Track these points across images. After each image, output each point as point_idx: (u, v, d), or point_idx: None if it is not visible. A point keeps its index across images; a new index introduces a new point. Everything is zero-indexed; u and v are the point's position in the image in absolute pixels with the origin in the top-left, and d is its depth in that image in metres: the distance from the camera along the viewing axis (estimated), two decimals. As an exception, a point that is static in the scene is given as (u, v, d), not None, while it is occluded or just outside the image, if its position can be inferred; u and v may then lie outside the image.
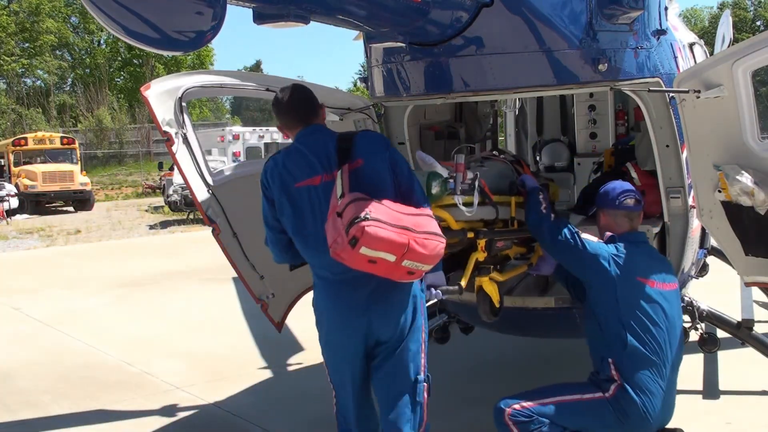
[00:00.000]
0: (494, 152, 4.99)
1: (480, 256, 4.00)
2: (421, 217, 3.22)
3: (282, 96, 3.60)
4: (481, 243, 3.99)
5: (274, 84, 5.20)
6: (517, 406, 3.65)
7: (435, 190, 3.80)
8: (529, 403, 3.65)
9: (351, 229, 3.03)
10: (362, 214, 3.04)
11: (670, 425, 3.79)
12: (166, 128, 4.58)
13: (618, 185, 4.06)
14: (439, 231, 3.24)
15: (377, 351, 3.44)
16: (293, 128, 3.59)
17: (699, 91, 3.99)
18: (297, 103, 3.58)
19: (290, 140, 3.73)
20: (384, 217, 3.08)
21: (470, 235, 3.95)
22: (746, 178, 3.99)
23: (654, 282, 3.73)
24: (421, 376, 3.43)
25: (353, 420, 3.54)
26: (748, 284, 4.72)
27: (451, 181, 3.85)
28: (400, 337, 3.40)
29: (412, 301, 3.42)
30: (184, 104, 4.63)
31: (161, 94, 4.58)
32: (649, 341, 3.63)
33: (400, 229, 3.09)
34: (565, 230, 3.86)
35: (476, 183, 3.87)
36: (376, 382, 3.48)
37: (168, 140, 4.59)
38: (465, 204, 3.84)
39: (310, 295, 5.75)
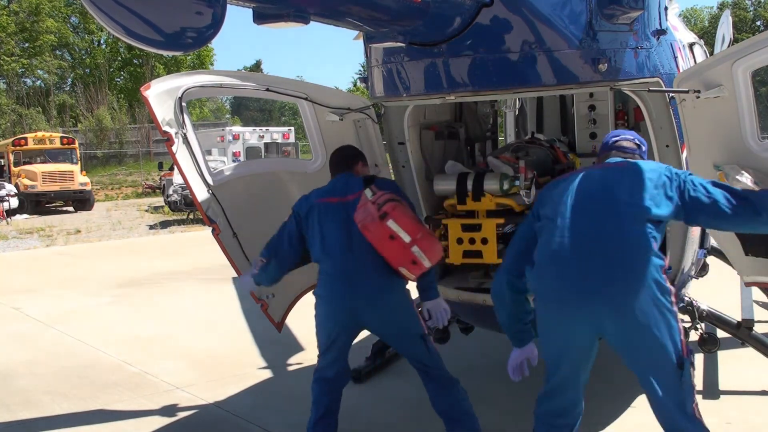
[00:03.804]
0: (534, 138, 6.04)
1: None
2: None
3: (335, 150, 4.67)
4: None
5: (274, 84, 5.20)
6: None
7: (506, 186, 4.89)
8: None
9: (385, 206, 4.00)
10: (396, 197, 4.09)
11: None
12: (166, 128, 4.57)
13: (620, 131, 3.97)
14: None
15: (371, 329, 4.45)
16: (332, 175, 4.53)
17: (699, 91, 3.99)
18: (336, 159, 4.55)
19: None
20: (408, 209, 4.15)
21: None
22: (746, 178, 3.99)
23: (591, 167, 3.78)
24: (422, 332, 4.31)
25: (333, 366, 4.36)
26: (748, 284, 4.71)
27: (517, 179, 4.95)
28: (393, 328, 4.31)
29: (404, 301, 4.28)
30: (183, 104, 4.63)
31: (161, 94, 4.58)
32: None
33: (418, 221, 4.19)
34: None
35: (533, 178, 4.90)
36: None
37: (168, 140, 4.59)
38: (526, 195, 4.91)
39: (310, 295, 5.79)
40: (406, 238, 3.98)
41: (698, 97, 4.00)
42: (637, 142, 3.79)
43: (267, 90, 5.13)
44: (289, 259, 4.45)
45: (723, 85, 3.94)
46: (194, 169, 4.77)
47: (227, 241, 4.94)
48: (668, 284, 3.29)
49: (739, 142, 4.04)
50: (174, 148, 4.61)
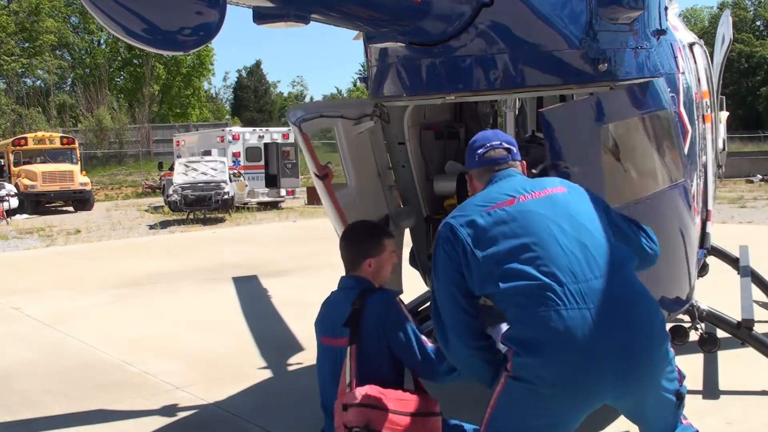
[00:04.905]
0: (534, 137, 5.77)
1: None
2: (408, 402, 3.24)
3: (344, 231, 3.75)
4: None
5: (326, 108, 5.15)
6: None
7: None
8: None
9: None
10: (362, 427, 3.10)
11: None
12: (323, 164, 4.41)
13: (485, 134, 3.30)
14: (410, 409, 3.22)
15: None
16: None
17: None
18: (343, 252, 3.60)
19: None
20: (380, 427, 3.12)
21: None
22: None
23: (522, 197, 2.97)
24: None
25: None
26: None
27: None
28: None
29: None
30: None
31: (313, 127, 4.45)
32: (528, 267, 2.79)
33: None
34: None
35: None
36: None
37: (326, 176, 4.39)
38: None
39: (311, 297, 5.78)
40: None
41: None
42: (507, 146, 3.21)
43: (321, 117, 4.85)
44: None
45: None
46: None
47: None
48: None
49: None
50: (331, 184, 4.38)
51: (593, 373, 2.71)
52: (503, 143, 3.21)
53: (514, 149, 3.23)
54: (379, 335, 3.33)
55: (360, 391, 3.17)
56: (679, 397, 2.98)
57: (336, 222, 4.57)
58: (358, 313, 3.32)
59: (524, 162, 3.28)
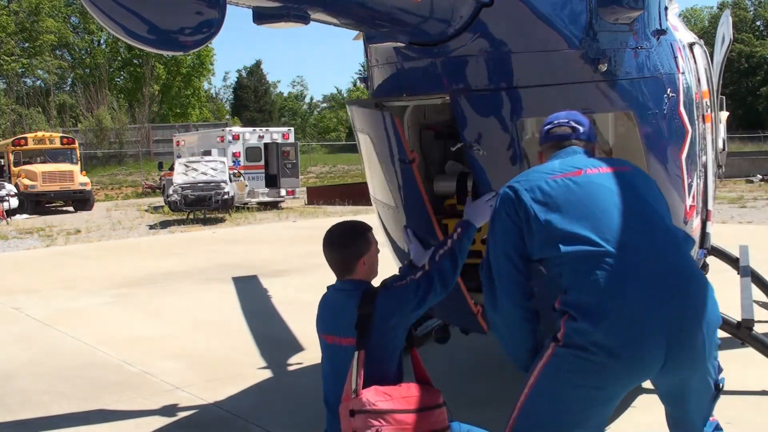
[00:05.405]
0: None
1: None
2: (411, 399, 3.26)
3: (327, 238, 3.50)
4: None
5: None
6: None
7: None
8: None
9: None
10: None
11: None
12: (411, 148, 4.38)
13: (557, 113, 3.37)
14: (416, 405, 3.23)
15: None
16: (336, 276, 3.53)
17: None
18: (329, 257, 3.48)
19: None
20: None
21: None
22: None
23: (590, 170, 3.03)
24: None
25: None
26: None
27: None
28: None
29: None
30: None
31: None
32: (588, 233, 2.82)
33: None
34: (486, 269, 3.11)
35: None
36: None
37: (413, 161, 4.35)
38: None
39: (308, 296, 5.79)
40: None
41: None
42: (573, 125, 3.27)
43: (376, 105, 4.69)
44: None
45: None
46: None
47: None
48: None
49: None
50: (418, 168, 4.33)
51: (650, 343, 2.73)
52: (570, 121, 3.28)
53: (581, 128, 3.28)
54: (393, 332, 3.34)
55: (367, 397, 3.18)
56: (717, 388, 3.02)
57: (410, 208, 4.48)
58: (369, 318, 3.28)
59: (593, 144, 3.35)
